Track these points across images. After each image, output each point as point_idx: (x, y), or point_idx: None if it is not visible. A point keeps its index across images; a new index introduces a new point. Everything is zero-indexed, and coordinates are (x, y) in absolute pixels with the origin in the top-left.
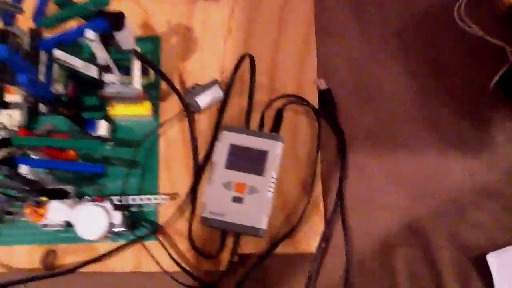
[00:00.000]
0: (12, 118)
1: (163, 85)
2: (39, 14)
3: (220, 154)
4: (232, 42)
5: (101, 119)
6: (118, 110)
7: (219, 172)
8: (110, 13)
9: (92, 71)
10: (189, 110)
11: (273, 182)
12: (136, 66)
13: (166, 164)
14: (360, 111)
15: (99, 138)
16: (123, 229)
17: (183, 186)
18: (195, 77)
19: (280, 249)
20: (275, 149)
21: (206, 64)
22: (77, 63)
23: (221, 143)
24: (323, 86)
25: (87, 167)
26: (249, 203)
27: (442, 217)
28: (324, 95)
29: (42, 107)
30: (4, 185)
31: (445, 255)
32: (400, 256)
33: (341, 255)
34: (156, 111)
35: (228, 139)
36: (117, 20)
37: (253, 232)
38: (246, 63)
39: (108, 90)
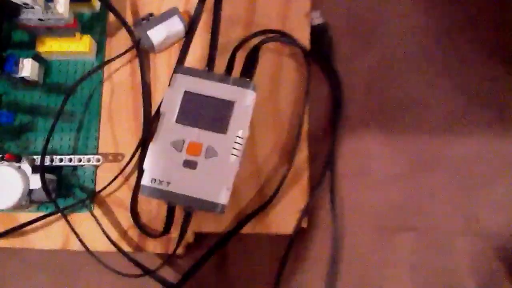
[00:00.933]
0: None
1: (112, 17)
2: None
3: (171, 103)
4: None
5: (27, 57)
6: (49, 47)
7: (168, 128)
8: None
9: None
10: (140, 48)
11: (239, 143)
12: None
13: (110, 116)
14: (362, 56)
15: (24, 80)
16: (45, 198)
17: (130, 145)
18: (152, 7)
19: (249, 229)
20: (244, 100)
21: None
22: None
23: (172, 89)
24: (318, 20)
25: None
26: (205, 169)
27: (455, 195)
28: (318, 32)
29: None
30: None
31: (460, 242)
32: (401, 242)
33: (327, 239)
34: (101, 49)
35: (182, 84)
36: None
37: (209, 207)
38: None
39: (26, 17)
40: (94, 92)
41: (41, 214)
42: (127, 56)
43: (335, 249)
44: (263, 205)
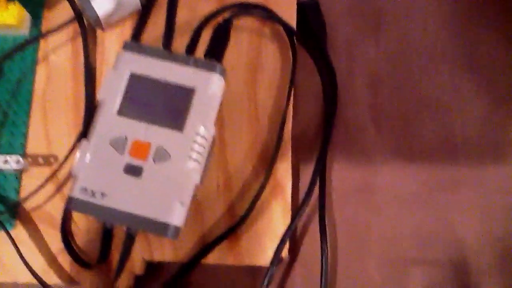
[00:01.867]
0: None
1: None
2: None
3: (112, 89)
4: None
5: None
6: None
7: (107, 121)
8: None
9: None
10: (83, 22)
11: (199, 144)
12: None
13: (43, 107)
14: (363, 40)
15: None
16: None
17: (67, 144)
18: None
19: (214, 258)
20: (208, 86)
21: None
22: None
23: (114, 71)
24: None
25: None
26: (153, 177)
27: (482, 221)
28: (307, 10)
29: None
30: None
31: (486, 279)
32: (414, 278)
33: (314, 274)
34: (37, 24)
35: (127, 65)
36: None
37: (157, 229)
38: None
39: None
40: (25, 77)
41: None
42: (69, 32)
43: (324, 286)
44: (233, 227)
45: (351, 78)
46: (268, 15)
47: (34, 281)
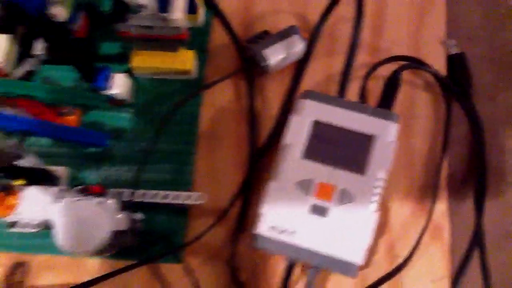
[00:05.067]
0: None
1: (217, 31)
2: None
3: (297, 134)
4: None
5: (120, 72)
6: (147, 61)
7: (293, 164)
8: None
9: None
10: (252, 68)
11: (380, 187)
12: None
13: (209, 146)
14: (508, 93)
15: (113, 100)
16: (129, 241)
17: (231, 181)
18: (264, 23)
19: None
20: (386, 134)
21: (281, 6)
22: None
23: (300, 117)
24: (454, 49)
25: (83, 135)
26: (338, 218)
27: None
28: (455, 64)
29: (37, 48)
30: None
31: None
32: None
33: None
34: (201, 67)
35: (311, 112)
36: None
37: (342, 268)
38: (338, 10)
39: (134, 22)
40: (192, 117)
41: (120, 262)
42: (235, 77)
43: None
44: (396, 268)
45: (496, 125)
46: (426, 69)
47: None
